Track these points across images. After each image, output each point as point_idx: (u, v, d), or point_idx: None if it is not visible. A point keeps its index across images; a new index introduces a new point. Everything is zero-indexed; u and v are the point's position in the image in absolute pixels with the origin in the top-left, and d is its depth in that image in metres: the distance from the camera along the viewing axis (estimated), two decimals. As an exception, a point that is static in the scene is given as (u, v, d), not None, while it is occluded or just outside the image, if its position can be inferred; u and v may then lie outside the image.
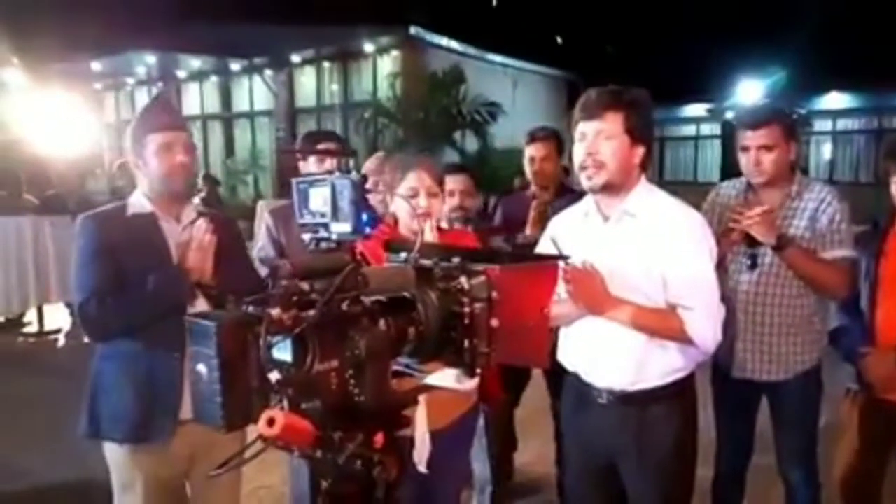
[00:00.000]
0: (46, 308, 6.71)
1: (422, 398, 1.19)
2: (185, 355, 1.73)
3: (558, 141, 3.10)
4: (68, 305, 6.92)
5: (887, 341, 2.16)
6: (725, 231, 2.22)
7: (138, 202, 1.99)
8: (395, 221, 1.98)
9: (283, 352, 0.94)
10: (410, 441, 1.52)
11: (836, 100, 17.47)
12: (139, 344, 1.86)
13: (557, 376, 2.62)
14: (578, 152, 1.81)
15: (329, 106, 16.80)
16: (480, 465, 2.82)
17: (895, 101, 16.59)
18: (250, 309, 0.93)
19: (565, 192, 3.02)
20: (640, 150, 1.81)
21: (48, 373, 5.45)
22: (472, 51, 16.11)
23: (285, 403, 0.93)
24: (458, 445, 1.93)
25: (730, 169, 2.71)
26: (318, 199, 1.11)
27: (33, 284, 6.31)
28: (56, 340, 6.58)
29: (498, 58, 17.01)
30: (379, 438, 1.03)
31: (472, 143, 13.92)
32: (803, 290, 2.24)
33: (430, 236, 1.90)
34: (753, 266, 2.26)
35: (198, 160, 2.06)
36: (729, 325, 1.98)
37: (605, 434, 1.88)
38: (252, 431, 0.91)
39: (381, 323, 1.05)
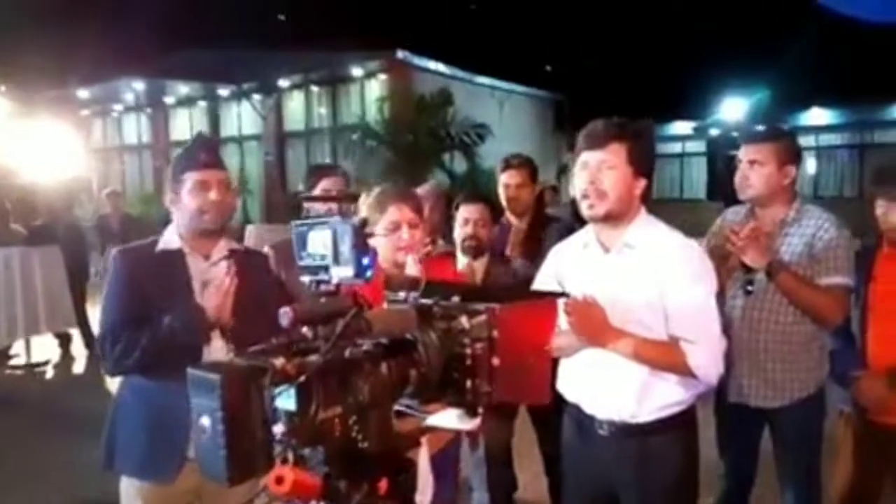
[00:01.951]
0: (35, 340, 6.64)
1: (424, 439, 1.19)
2: None
3: (532, 168, 3.12)
4: (57, 336, 6.85)
5: (879, 364, 2.16)
6: (722, 256, 2.23)
7: (169, 238, 2.01)
8: (375, 255, 1.97)
9: (286, 401, 0.93)
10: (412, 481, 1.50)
11: (819, 115, 17.77)
12: (154, 379, 1.87)
13: (542, 412, 2.61)
14: (580, 181, 1.82)
15: (318, 130, 16.89)
16: (479, 493, 2.80)
17: (877, 116, 16.91)
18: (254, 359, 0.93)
19: (542, 220, 3.03)
20: (641, 182, 1.82)
21: (34, 407, 5.38)
22: (459, 73, 16.28)
23: (290, 455, 0.92)
24: (441, 475, 1.91)
25: (715, 186, 2.73)
26: (318, 242, 1.11)
27: (21, 316, 6.23)
28: (44, 372, 6.50)
29: (485, 80, 17.18)
30: (383, 485, 1.02)
31: (460, 165, 14.00)
32: (799, 318, 2.23)
33: (413, 269, 1.90)
34: (749, 292, 2.27)
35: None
36: (727, 350, 1.98)
37: (605, 466, 1.87)
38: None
39: (383, 366, 1.05)
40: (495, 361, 1.10)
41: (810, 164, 18.19)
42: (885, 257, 2.23)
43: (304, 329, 1.00)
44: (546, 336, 1.23)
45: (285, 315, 0.98)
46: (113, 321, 1.90)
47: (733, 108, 17.26)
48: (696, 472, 1.90)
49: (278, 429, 0.90)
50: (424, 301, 1.16)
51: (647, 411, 1.80)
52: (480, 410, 1.12)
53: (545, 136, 19.75)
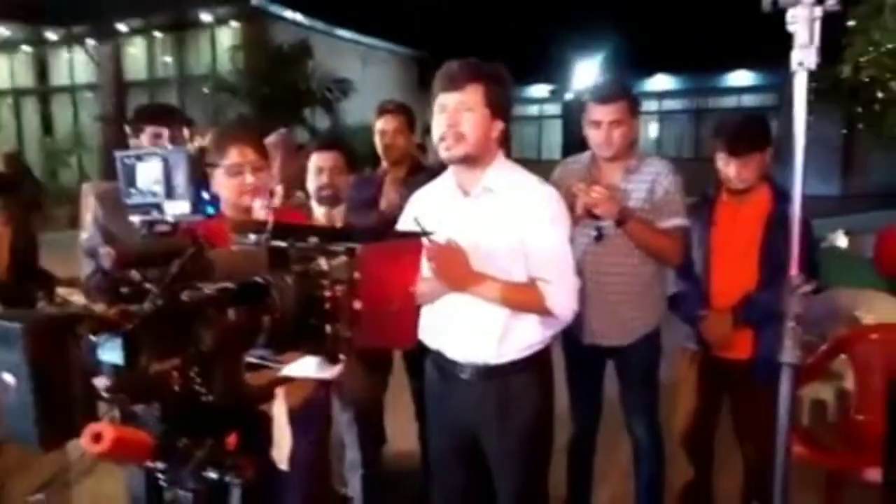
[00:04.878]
0: None
1: (279, 391, 1.10)
2: None
3: (409, 115, 3.03)
4: None
5: (722, 303, 2.34)
6: (571, 206, 2.28)
7: None
8: (217, 200, 1.83)
9: (111, 352, 0.80)
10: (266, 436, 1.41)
11: (661, 82, 19.03)
12: None
13: (415, 356, 2.60)
14: (438, 124, 1.79)
15: (163, 79, 15.66)
16: (352, 452, 2.76)
17: (712, 83, 18.44)
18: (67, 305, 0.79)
19: (419, 169, 2.96)
20: (499, 125, 1.81)
21: None
22: (319, 25, 15.66)
23: (116, 412, 0.80)
24: (302, 431, 1.83)
25: (571, 147, 2.77)
26: (148, 175, 0.97)
27: None
28: None
29: (347, 33, 16.67)
30: (232, 440, 0.93)
31: (322, 121, 13.58)
32: (644, 259, 2.36)
33: (262, 215, 1.78)
34: (600, 238, 2.35)
35: None
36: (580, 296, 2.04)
37: (468, 409, 1.90)
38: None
39: (230, 312, 0.94)
40: (357, 305, 1.02)
41: (653, 128, 19.53)
42: (724, 204, 2.40)
43: (132, 273, 0.87)
44: (411, 277, 1.18)
45: (107, 255, 0.84)
46: None
47: (586, 74, 18.06)
48: (552, 410, 1.97)
49: (101, 382, 0.77)
50: (278, 243, 1.06)
51: (508, 352, 1.83)
52: (342, 357, 1.05)
53: (409, 94, 19.59)
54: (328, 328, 1.02)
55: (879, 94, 6.20)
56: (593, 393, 2.57)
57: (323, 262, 1.03)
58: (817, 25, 1.54)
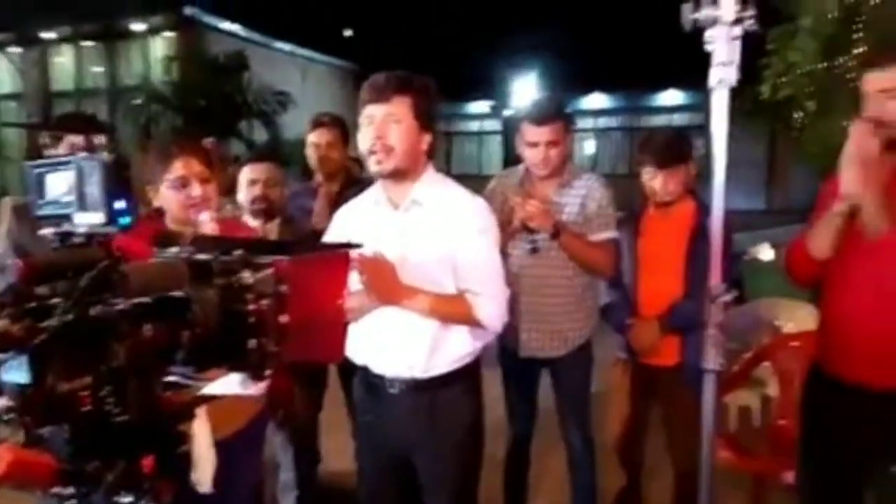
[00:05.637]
0: None
1: (201, 411, 1.06)
2: None
3: (343, 128, 3.02)
4: None
5: (649, 312, 2.41)
6: (507, 220, 2.31)
7: None
8: (161, 214, 1.78)
9: (15, 371, 0.76)
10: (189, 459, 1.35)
11: (597, 100, 19.56)
12: None
13: (350, 372, 2.57)
14: (366, 136, 1.77)
15: (92, 90, 15.11)
16: (286, 474, 2.69)
17: (644, 102, 19.10)
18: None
19: (353, 183, 2.94)
20: (427, 137, 1.81)
21: None
22: (256, 37, 15.45)
23: (21, 436, 0.76)
24: (245, 454, 1.78)
25: (511, 162, 2.80)
26: (60, 185, 0.93)
27: None
28: None
29: (285, 46, 16.50)
30: (148, 462, 0.89)
31: (260, 134, 13.36)
32: (578, 271, 2.42)
33: (209, 228, 1.73)
34: (535, 251, 2.38)
35: None
36: (513, 308, 2.06)
37: (397, 424, 1.87)
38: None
39: (146, 328, 0.90)
40: (283, 319, 1.00)
41: (589, 145, 20.04)
42: (651, 217, 2.48)
43: (39, 287, 0.83)
44: (340, 289, 1.16)
45: (13, 268, 0.80)
46: None
47: (526, 90, 18.42)
48: (483, 422, 1.98)
49: (2, 403, 0.73)
50: (200, 256, 1.03)
51: (437, 365, 1.83)
52: (267, 372, 1.03)
53: (349, 108, 19.49)
54: (252, 343, 1.00)
55: (797, 114, 6.51)
56: (528, 402, 2.61)
57: (247, 275, 1.00)
58: (736, 45, 1.60)
